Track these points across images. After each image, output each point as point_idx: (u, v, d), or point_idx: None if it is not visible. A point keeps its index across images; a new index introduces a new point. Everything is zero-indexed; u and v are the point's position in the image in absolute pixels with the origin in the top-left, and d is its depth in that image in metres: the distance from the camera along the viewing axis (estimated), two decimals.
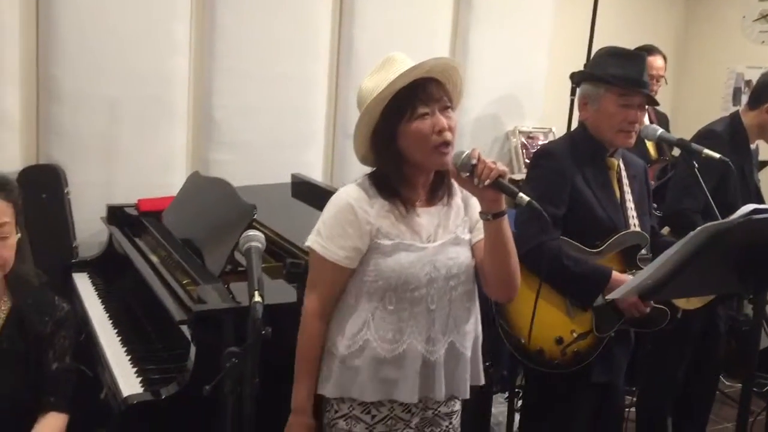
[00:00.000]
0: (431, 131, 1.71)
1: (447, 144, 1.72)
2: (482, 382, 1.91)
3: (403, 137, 1.73)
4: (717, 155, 2.38)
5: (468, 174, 1.67)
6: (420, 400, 1.80)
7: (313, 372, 1.79)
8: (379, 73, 1.76)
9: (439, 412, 1.88)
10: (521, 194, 1.65)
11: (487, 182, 1.65)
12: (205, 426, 1.89)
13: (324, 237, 1.76)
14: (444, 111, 1.73)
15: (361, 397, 1.77)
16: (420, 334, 1.76)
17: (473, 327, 1.86)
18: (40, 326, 1.90)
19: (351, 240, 1.74)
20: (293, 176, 3.52)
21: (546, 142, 4.20)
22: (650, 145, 3.90)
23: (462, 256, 1.82)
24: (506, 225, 1.74)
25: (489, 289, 1.86)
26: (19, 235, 1.83)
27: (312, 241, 1.78)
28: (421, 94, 1.71)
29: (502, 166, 1.66)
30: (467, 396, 1.88)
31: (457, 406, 1.92)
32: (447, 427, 1.90)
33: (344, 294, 1.80)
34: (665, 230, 2.79)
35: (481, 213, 1.74)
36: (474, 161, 1.65)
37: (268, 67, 3.61)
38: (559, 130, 4.10)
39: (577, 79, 2.49)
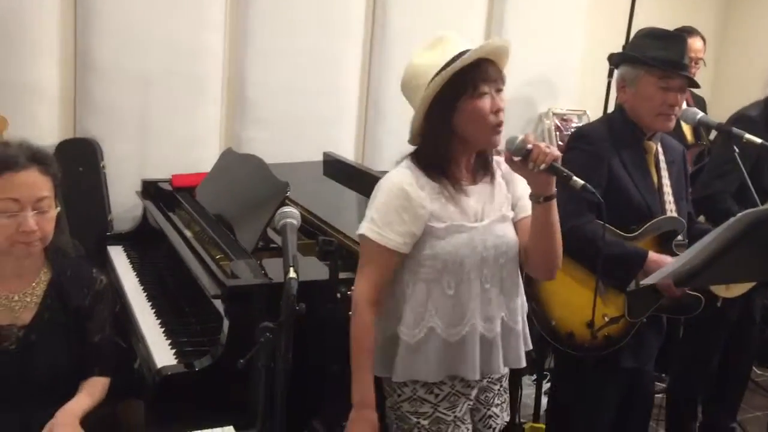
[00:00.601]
0: (490, 111, 1.73)
1: (500, 125, 1.75)
2: (530, 347, 1.95)
3: (460, 114, 1.74)
4: (759, 140, 2.34)
5: (521, 158, 1.69)
6: (481, 375, 1.85)
7: (372, 362, 1.78)
8: (432, 51, 1.76)
9: (492, 378, 1.94)
10: (575, 178, 1.67)
11: (542, 166, 1.66)
12: (237, 399, 1.92)
13: (379, 224, 1.76)
14: (498, 93, 1.76)
15: (426, 378, 1.81)
16: (479, 314, 1.80)
17: (521, 300, 1.91)
18: (79, 298, 1.93)
19: (406, 225, 1.76)
20: (325, 154, 3.53)
21: (580, 124, 4.15)
22: (687, 129, 3.83)
23: (509, 233, 1.85)
24: (555, 208, 1.76)
25: (530, 268, 1.89)
26: (59, 208, 1.86)
27: (366, 229, 1.78)
28: (484, 73, 1.74)
29: (556, 150, 1.68)
30: (523, 365, 1.93)
31: (505, 370, 1.97)
32: (498, 390, 1.98)
33: (399, 282, 1.82)
34: (701, 218, 2.76)
35: (531, 195, 1.76)
36: (529, 146, 1.67)
37: (302, 45, 3.61)
38: (594, 113, 4.04)
39: (615, 60, 2.45)
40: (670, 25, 2.79)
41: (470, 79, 1.72)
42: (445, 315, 1.79)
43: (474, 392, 1.91)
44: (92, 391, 1.89)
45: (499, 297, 1.84)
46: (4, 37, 3.02)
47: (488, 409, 1.96)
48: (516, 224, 1.88)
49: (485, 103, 1.73)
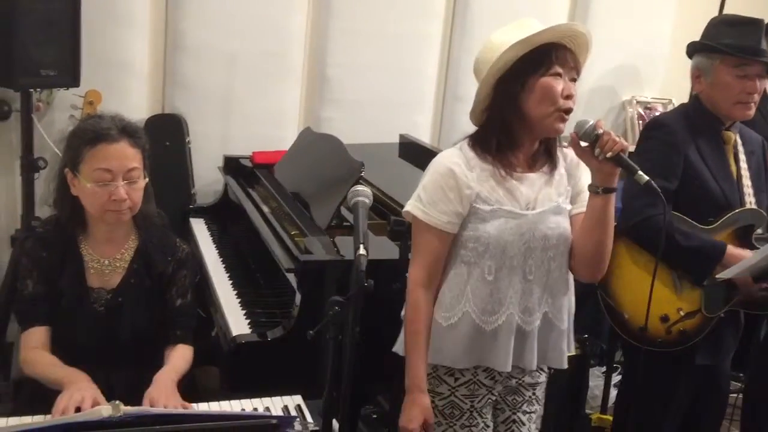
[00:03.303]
0: (560, 93, 1.69)
1: (569, 111, 1.71)
2: (572, 351, 1.89)
3: (530, 91, 1.70)
4: None
5: (588, 144, 1.65)
6: (512, 367, 1.80)
7: (424, 345, 1.76)
8: (512, 30, 1.72)
9: (523, 381, 1.88)
10: (640, 172, 1.63)
11: (609, 155, 1.63)
12: (306, 369, 1.99)
13: (425, 202, 1.76)
14: (571, 81, 1.72)
15: (452, 364, 1.79)
16: (518, 305, 1.76)
17: (569, 299, 1.85)
18: (163, 265, 2.01)
19: (452, 204, 1.74)
20: (401, 137, 3.55)
21: None
22: None
23: (562, 225, 1.79)
24: (612, 202, 1.71)
25: (576, 266, 1.82)
26: (146, 179, 1.95)
27: (412, 206, 1.78)
28: (560, 55, 1.70)
29: (624, 141, 1.64)
30: (564, 366, 1.88)
31: (542, 378, 1.91)
32: (530, 397, 1.90)
33: None
34: None
35: (590, 186, 1.71)
36: (599, 131, 1.63)
37: (383, 27, 3.63)
38: (680, 102, 3.91)
39: (689, 50, 2.36)
40: (763, 12, 2.67)
41: (546, 58, 1.69)
42: (482, 301, 1.75)
43: (498, 388, 1.85)
44: (184, 358, 1.97)
45: (544, 291, 1.78)
46: (100, 15, 3.16)
47: (514, 413, 1.89)
48: (572, 219, 1.81)
49: (558, 83, 1.69)
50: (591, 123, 1.65)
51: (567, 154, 1.83)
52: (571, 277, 1.85)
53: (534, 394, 1.91)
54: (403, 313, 1.85)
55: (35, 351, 1.89)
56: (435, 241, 1.76)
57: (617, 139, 1.63)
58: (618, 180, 1.71)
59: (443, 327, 1.77)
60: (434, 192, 1.75)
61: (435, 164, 1.79)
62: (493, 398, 1.86)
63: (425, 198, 1.76)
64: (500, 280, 1.75)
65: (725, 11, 3.45)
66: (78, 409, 1.64)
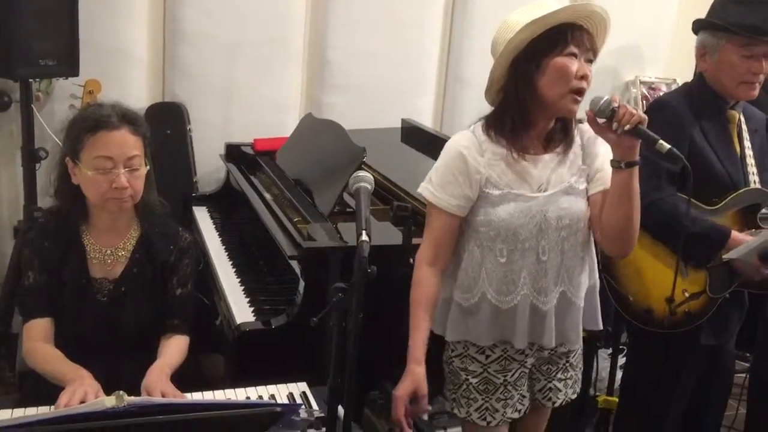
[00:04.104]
0: (575, 73, 1.69)
1: (582, 92, 1.71)
2: (599, 327, 1.91)
3: (544, 71, 1.70)
4: None
5: (605, 120, 1.65)
6: (530, 344, 1.83)
7: (426, 320, 1.79)
8: (530, 10, 1.71)
9: (556, 351, 1.91)
10: (661, 141, 1.62)
11: (627, 128, 1.62)
12: (311, 355, 1.99)
13: (435, 185, 1.79)
14: (587, 62, 1.72)
15: (477, 341, 1.83)
16: (532, 285, 1.78)
17: (587, 277, 1.86)
18: (165, 254, 2.01)
19: (461, 188, 1.76)
20: (403, 121, 3.53)
21: None
22: None
23: (575, 206, 1.79)
24: (636, 176, 1.70)
25: (605, 243, 1.82)
26: (148, 167, 1.94)
27: (423, 188, 1.82)
28: (576, 35, 1.69)
29: (641, 113, 1.63)
30: (579, 345, 1.91)
31: (577, 345, 1.93)
32: (564, 364, 1.94)
33: (457, 245, 1.83)
34: None
35: (613, 161, 1.70)
36: (615, 105, 1.63)
37: (384, 11, 3.61)
38: (684, 81, 3.88)
39: (695, 27, 2.33)
40: None
41: (561, 37, 1.68)
42: (497, 282, 1.78)
43: (531, 360, 1.88)
44: (179, 350, 1.97)
45: (560, 270, 1.79)
46: (97, 3, 3.14)
47: (549, 382, 1.93)
48: (591, 198, 1.82)
49: (572, 63, 1.69)
50: (606, 98, 1.64)
51: (585, 131, 1.83)
52: (591, 255, 1.86)
53: (568, 361, 1.94)
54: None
55: (38, 344, 1.89)
56: (443, 223, 1.79)
57: (634, 111, 1.62)
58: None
59: (464, 307, 1.82)
60: (444, 175, 1.78)
61: (447, 147, 1.81)
62: (527, 370, 1.90)
63: (436, 180, 1.79)
64: (513, 262, 1.77)
65: None
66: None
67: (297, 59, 3.58)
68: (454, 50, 3.83)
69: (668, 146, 1.61)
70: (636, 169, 1.69)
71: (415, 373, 1.76)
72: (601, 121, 1.66)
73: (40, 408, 1.67)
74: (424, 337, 1.78)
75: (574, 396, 1.98)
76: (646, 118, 1.63)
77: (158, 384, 1.76)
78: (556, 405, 1.97)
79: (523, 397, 1.90)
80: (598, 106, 1.64)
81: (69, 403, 1.64)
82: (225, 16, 3.37)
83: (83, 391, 1.68)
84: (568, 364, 1.95)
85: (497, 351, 1.85)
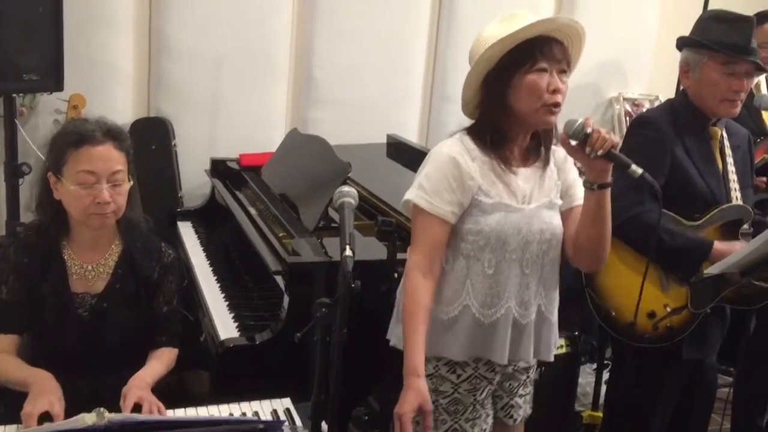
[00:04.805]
0: (546, 88, 1.69)
1: (557, 105, 1.71)
2: (557, 344, 1.94)
3: (515, 88, 1.70)
4: None
5: (578, 143, 1.66)
6: (508, 361, 1.82)
7: (423, 330, 1.72)
8: (503, 24, 1.71)
9: (518, 367, 1.91)
10: (634, 166, 1.63)
11: (600, 152, 1.63)
12: (295, 372, 1.97)
13: (429, 192, 1.74)
14: (560, 74, 1.71)
15: (451, 356, 1.80)
16: (515, 298, 1.78)
17: (557, 293, 1.87)
18: (148, 270, 2.00)
19: (455, 194, 1.74)
20: (389, 136, 3.55)
21: None
22: (767, 116, 3.67)
23: (555, 220, 1.81)
24: (609, 196, 1.72)
25: (577, 259, 1.84)
26: (131, 182, 1.93)
27: (414, 196, 1.76)
28: (546, 49, 1.69)
29: (615, 137, 1.65)
30: (551, 359, 1.91)
31: (534, 361, 1.93)
32: (524, 380, 1.94)
33: None
34: None
35: (585, 182, 1.72)
36: (588, 130, 1.64)
37: (368, 28, 3.63)
38: (667, 98, 3.92)
39: (678, 44, 2.36)
40: (748, 8, 2.67)
41: (529, 53, 1.68)
42: (482, 294, 1.76)
43: (497, 378, 1.88)
44: (163, 360, 1.96)
45: (538, 284, 1.81)
46: (82, 18, 3.14)
47: (511, 399, 1.93)
48: (564, 213, 1.83)
49: (542, 79, 1.69)
50: (579, 122, 1.65)
51: (555, 150, 1.84)
52: (558, 273, 1.87)
53: (528, 377, 1.95)
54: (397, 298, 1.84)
55: (1, 355, 1.88)
56: (437, 231, 1.75)
57: (607, 136, 1.63)
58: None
59: (443, 321, 1.78)
60: (439, 181, 1.74)
61: (437, 154, 1.78)
62: (493, 388, 1.89)
63: (429, 187, 1.75)
64: (500, 273, 1.76)
65: (710, 6, 3.45)
66: (47, 415, 1.64)
67: (282, 75, 3.59)
68: (439, 66, 3.86)
69: (641, 171, 1.63)
70: (608, 191, 1.71)
71: (418, 386, 1.69)
72: (574, 143, 1.67)
73: (19, 426, 1.65)
74: (422, 347, 1.73)
75: (530, 411, 1.98)
76: (620, 142, 1.65)
77: (137, 391, 1.76)
78: (517, 422, 1.94)
79: (488, 416, 1.89)
80: (573, 129, 1.65)
81: (32, 412, 1.64)
82: (210, 31, 3.38)
83: (46, 401, 1.68)
84: (528, 380, 1.95)
85: (468, 369, 1.83)
